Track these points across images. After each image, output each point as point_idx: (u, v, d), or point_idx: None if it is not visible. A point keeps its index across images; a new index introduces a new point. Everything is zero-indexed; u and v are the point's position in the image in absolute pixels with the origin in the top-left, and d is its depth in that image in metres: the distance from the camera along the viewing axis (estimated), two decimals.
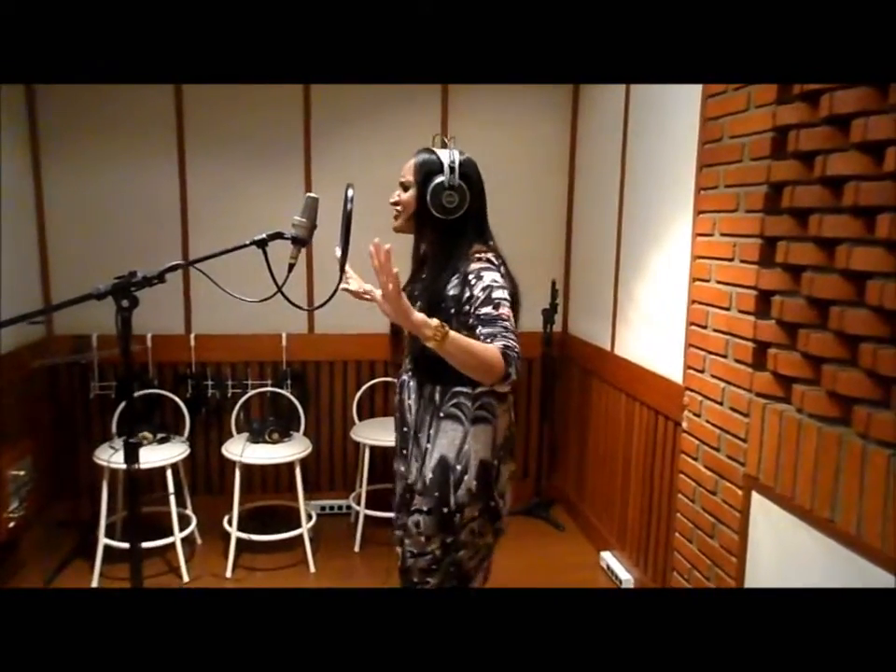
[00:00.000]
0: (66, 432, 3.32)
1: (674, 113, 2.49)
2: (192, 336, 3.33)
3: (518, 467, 3.74)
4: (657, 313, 2.62)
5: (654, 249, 2.63)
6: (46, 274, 3.26)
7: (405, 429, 1.85)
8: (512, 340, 1.58)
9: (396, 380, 1.97)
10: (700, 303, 2.22)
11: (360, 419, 3.45)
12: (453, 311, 1.68)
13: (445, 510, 1.73)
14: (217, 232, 3.30)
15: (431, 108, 3.42)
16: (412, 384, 1.82)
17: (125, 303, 1.58)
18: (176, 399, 3.22)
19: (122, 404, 3.07)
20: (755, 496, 1.94)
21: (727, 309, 2.07)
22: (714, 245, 2.13)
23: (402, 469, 1.84)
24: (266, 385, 3.40)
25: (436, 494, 1.74)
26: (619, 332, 3.00)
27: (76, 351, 3.12)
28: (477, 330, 1.61)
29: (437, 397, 1.75)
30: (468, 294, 1.66)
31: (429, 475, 1.74)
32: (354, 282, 1.97)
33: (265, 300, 1.68)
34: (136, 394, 3.15)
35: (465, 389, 1.71)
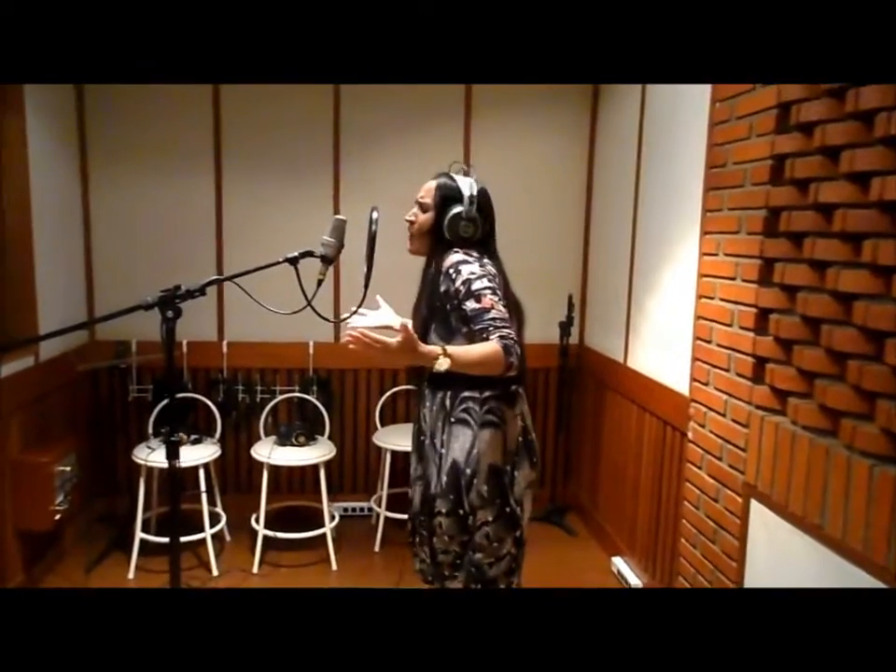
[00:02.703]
0: (105, 432, 3.52)
1: (684, 137, 2.61)
2: (225, 343, 3.52)
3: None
4: (666, 327, 2.74)
5: (665, 267, 2.75)
6: (90, 282, 3.48)
7: (422, 437, 1.97)
8: (504, 328, 1.68)
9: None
10: (705, 319, 2.33)
11: (383, 425, 3.60)
12: (448, 307, 1.80)
13: (461, 511, 1.84)
14: (250, 246, 3.49)
15: (454, 130, 3.58)
16: (426, 392, 1.94)
17: (170, 314, 1.75)
18: (209, 402, 3.40)
19: (160, 406, 3.26)
20: (753, 503, 2.04)
21: (729, 325, 2.18)
22: (718, 265, 2.24)
23: (422, 473, 1.96)
24: (293, 391, 3.57)
25: (451, 497, 1.85)
26: (631, 345, 3.11)
27: (117, 356, 3.32)
28: (471, 326, 1.73)
29: (447, 402, 1.87)
30: (452, 289, 1.77)
31: (444, 479, 1.86)
32: (375, 316, 2.04)
33: (296, 312, 1.84)
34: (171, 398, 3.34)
35: (473, 394, 1.83)
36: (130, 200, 3.46)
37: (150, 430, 3.26)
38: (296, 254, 1.81)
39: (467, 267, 1.76)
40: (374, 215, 1.78)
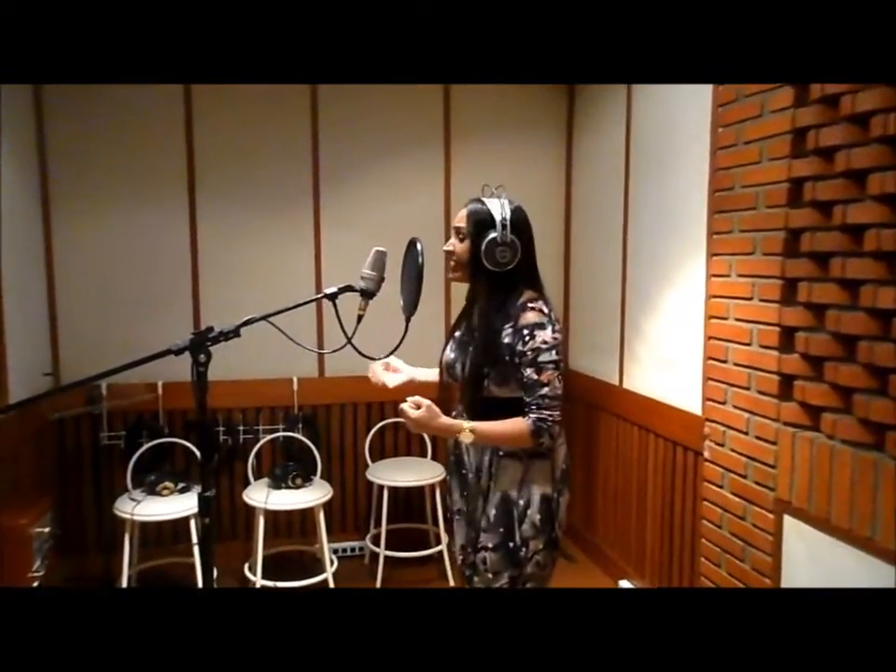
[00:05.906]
0: (73, 485, 3.26)
1: (679, 161, 2.67)
2: None
3: None
4: (670, 348, 2.77)
5: (665, 289, 2.79)
6: (54, 326, 3.24)
7: (463, 472, 1.91)
8: (547, 409, 1.71)
9: None
10: (718, 339, 2.37)
11: (373, 460, 3.49)
12: (507, 358, 1.77)
13: (511, 544, 1.79)
14: (228, 281, 3.35)
15: (435, 155, 3.56)
16: None
17: (202, 358, 1.64)
18: (191, 446, 3.21)
19: (136, 455, 3.05)
20: (787, 518, 2.06)
21: (748, 344, 2.21)
22: (731, 286, 2.29)
23: (464, 508, 1.91)
24: (277, 430, 3.42)
25: (500, 530, 1.80)
26: (627, 367, 3.14)
27: (88, 402, 3.09)
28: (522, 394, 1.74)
29: None
30: (519, 348, 1.75)
31: (493, 512, 1.81)
32: (393, 376, 1.99)
33: (336, 350, 1.75)
34: (149, 444, 3.13)
35: None
36: (96, 236, 3.25)
37: (129, 480, 3.04)
38: (335, 289, 1.72)
39: (541, 334, 1.74)
40: (419, 246, 1.72)
